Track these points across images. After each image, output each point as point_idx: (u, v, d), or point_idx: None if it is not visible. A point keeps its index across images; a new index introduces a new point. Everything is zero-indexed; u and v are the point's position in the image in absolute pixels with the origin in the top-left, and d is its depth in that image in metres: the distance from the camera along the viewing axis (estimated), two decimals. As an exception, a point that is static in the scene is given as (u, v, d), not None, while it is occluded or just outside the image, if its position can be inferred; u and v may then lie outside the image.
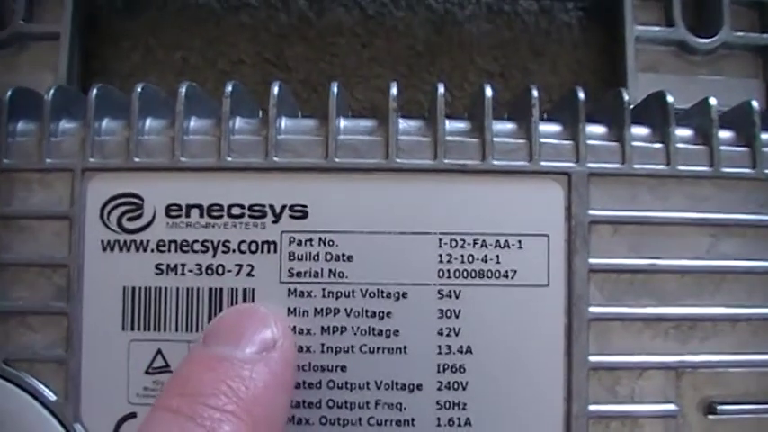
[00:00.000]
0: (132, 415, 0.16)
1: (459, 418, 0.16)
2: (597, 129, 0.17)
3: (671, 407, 0.16)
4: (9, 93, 0.17)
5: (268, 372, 0.14)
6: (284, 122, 0.17)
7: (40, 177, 0.17)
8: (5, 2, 0.20)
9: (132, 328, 0.16)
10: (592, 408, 0.16)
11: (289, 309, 0.16)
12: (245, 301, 0.16)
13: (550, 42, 0.20)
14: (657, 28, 0.20)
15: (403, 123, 0.17)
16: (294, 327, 0.16)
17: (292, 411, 0.16)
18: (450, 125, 0.17)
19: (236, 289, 0.16)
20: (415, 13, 0.19)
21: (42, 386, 0.16)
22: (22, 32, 0.20)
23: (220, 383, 0.13)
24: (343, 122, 0.17)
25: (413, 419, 0.16)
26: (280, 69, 0.19)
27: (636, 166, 0.17)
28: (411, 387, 0.16)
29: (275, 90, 0.17)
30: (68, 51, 0.20)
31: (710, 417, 0.17)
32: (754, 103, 0.17)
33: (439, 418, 0.16)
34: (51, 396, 0.16)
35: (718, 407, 0.16)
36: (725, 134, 0.17)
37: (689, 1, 0.20)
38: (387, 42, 0.19)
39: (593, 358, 0.16)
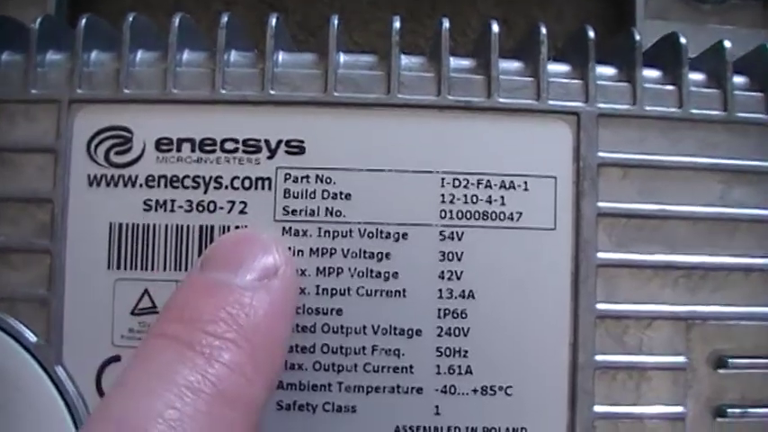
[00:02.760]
0: (116, 358, 0.16)
1: (459, 366, 0.16)
2: (607, 69, 0.17)
3: (680, 359, 0.16)
4: (-6, 20, 0.16)
5: (269, 300, 0.14)
6: (281, 56, 0.17)
7: (24, 109, 0.16)
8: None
9: (118, 267, 0.16)
10: (598, 358, 0.16)
11: (283, 248, 0.16)
12: (237, 240, 0.16)
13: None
14: (670, -24, 0.19)
15: (405, 59, 0.17)
16: (288, 267, 0.16)
17: (285, 356, 0.16)
18: (454, 62, 0.17)
19: (228, 227, 0.16)
20: (418, -45, 0.19)
21: (23, 327, 0.16)
22: (8, -32, 0.20)
23: (219, 310, 0.13)
24: (343, 57, 0.17)
25: (411, 366, 0.16)
26: (276, 11, 0.19)
27: (647, 108, 0.16)
28: (410, 332, 0.16)
29: (272, 22, 0.16)
30: (57, -12, 0.19)
31: (721, 371, 0.16)
32: (770, 47, 0.17)
33: (438, 366, 0.16)
34: (32, 337, 0.16)
35: (729, 360, 0.16)
36: (738, 79, 0.17)
37: (701, -50, 0.20)
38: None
39: (600, 306, 0.16)
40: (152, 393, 0.12)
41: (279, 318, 0.14)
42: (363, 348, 0.16)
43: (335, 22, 0.16)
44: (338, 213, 0.16)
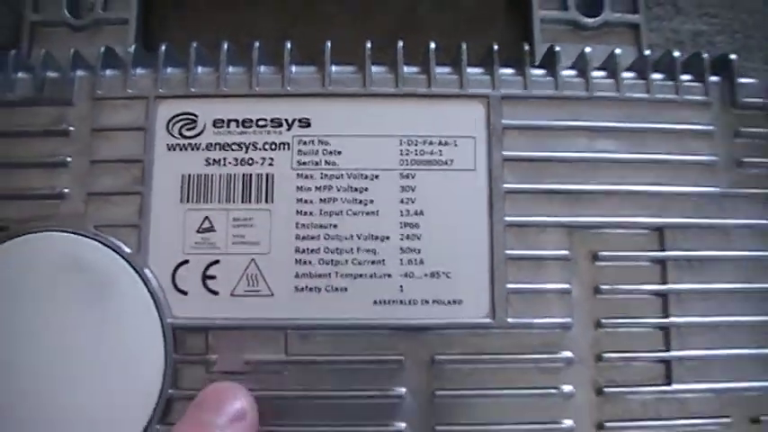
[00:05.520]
0: (186, 261, 0.25)
1: (415, 259, 0.25)
2: (508, 70, 0.27)
3: (565, 252, 0.25)
4: (103, 49, 0.26)
5: None
6: (294, 67, 0.26)
7: (124, 103, 0.26)
8: None
9: (188, 201, 0.25)
10: (509, 252, 0.25)
11: (297, 186, 0.25)
12: (266, 182, 0.25)
13: (483, 24, 0.30)
14: (557, 12, 0.30)
15: (375, 68, 0.26)
16: (301, 198, 0.25)
17: (300, 255, 0.25)
18: (406, 69, 0.26)
19: (261, 174, 0.25)
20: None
21: (121, 243, 0.25)
22: (99, 18, 0.30)
23: None
24: (334, 67, 0.26)
25: (383, 260, 0.25)
26: (289, 39, 0.29)
27: (534, 92, 0.26)
28: (382, 238, 0.25)
29: (288, 45, 0.26)
30: (135, 32, 0.29)
31: (597, 263, 0.25)
32: (618, 50, 0.27)
33: (401, 259, 0.25)
34: (128, 249, 0.25)
35: (600, 253, 0.25)
36: (598, 73, 0.27)
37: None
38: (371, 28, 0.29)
39: (508, 218, 0.25)
40: None
41: None
42: (351, 249, 0.25)
43: (329, 45, 0.26)
44: (333, 163, 0.25)
